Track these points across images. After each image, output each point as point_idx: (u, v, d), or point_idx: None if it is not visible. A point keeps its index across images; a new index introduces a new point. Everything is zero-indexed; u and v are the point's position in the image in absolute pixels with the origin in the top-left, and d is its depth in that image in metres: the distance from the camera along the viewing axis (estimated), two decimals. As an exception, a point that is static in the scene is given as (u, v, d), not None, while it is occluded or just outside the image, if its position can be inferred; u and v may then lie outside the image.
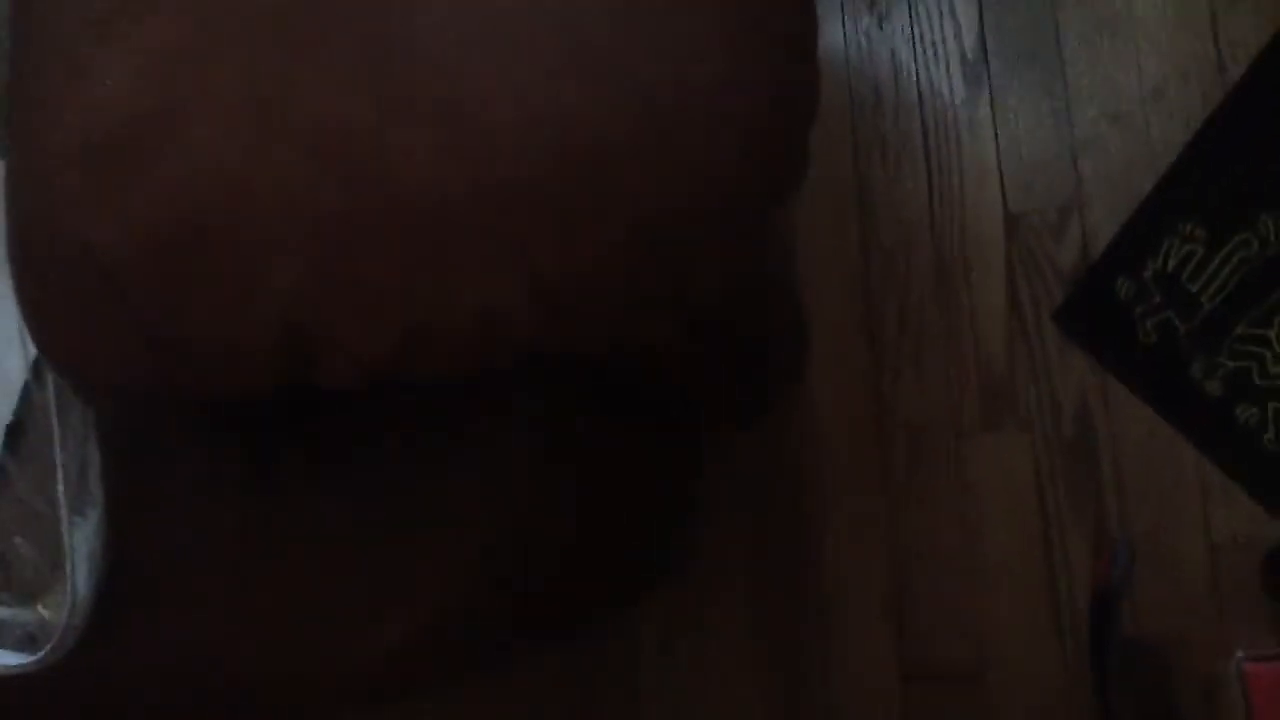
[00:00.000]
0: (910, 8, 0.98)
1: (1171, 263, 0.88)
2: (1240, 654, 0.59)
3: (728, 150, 0.52)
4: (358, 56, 0.52)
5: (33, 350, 0.62)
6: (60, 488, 0.62)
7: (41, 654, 0.59)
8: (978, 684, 0.87)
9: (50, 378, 0.63)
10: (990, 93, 0.96)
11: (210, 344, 0.53)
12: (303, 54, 0.52)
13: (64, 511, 0.63)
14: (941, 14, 0.97)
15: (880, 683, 0.88)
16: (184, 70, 0.51)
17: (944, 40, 0.98)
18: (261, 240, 0.51)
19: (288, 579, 0.65)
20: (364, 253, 0.51)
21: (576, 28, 0.51)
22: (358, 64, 0.52)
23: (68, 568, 0.63)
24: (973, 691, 0.87)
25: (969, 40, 0.97)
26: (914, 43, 0.98)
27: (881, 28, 0.99)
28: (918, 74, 0.98)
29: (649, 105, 0.51)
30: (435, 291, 0.52)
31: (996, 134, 0.96)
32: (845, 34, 0.99)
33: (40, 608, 0.64)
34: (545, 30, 0.51)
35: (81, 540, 0.63)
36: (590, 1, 0.52)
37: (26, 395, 0.65)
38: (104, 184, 0.51)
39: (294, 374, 0.53)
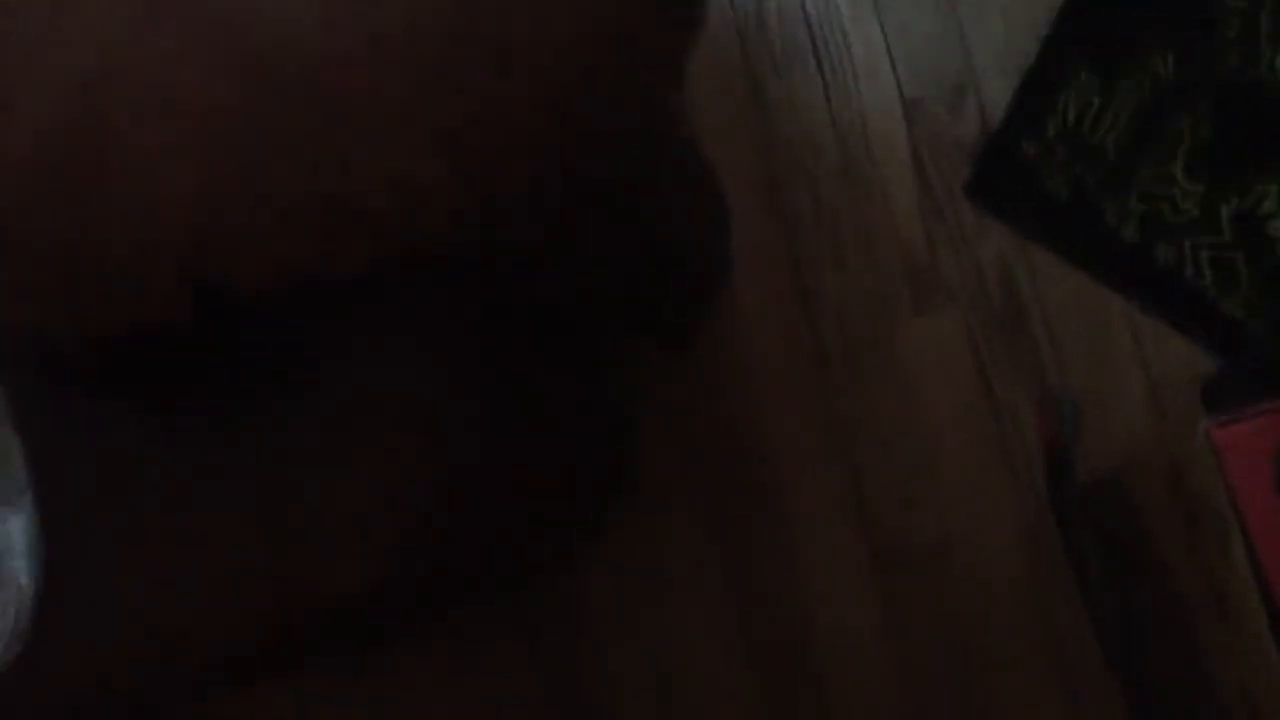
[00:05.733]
0: (777, -87, 0.99)
1: (1071, 116, 0.88)
2: (1203, 424, 0.60)
3: None
4: None
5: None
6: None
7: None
8: (948, 559, 0.88)
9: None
10: (869, -16, 0.97)
11: (114, 266, 0.51)
12: None
13: (-9, 503, 0.61)
14: (809, -88, 0.98)
15: (851, 574, 0.88)
16: None
17: (814, -60, 0.98)
18: (151, 147, 0.49)
19: (226, 539, 0.64)
20: (263, 138, 0.50)
21: None
22: None
23: (8, 563, 0.61)
24: (945, 567, 0.88)
25: (838, -64, 0.98)
26: (785, -52, 0.99)
27: (752, -61, 1.00)
28: (794, -22, 0.98)
29: None
30: (343, 167, 0.50)
31: (881, 24, 0.96)
32: (718, -51, 0.99)
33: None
34: None
35: (18, 531, 0.61)
36: None
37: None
38: None
39: (204, 284, 0.51)
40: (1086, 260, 0.89)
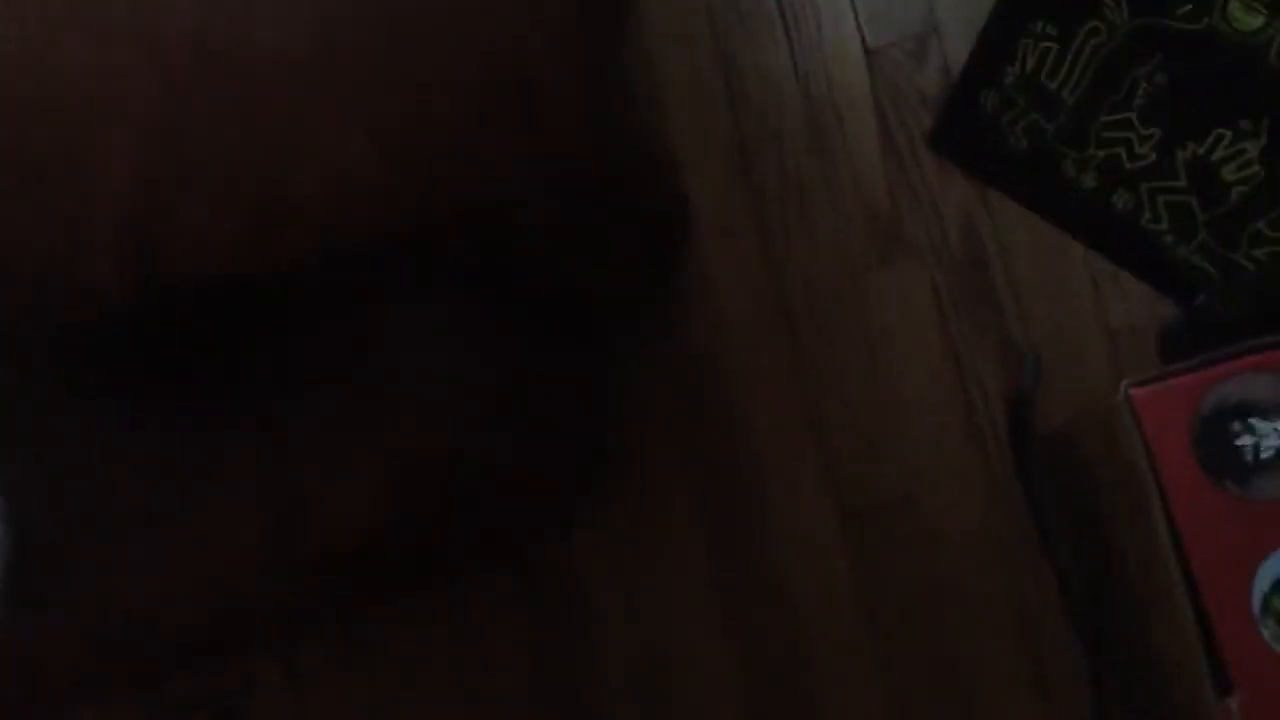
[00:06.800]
0: None
1: (1029, 65, 0.88)
2: (1125, 383, 0.61)
3: None
4: None
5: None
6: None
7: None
8: (913, 510, 0.89)
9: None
10: (830, -68, 0.96)
11: (48, 255, 0.51)
12: None
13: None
14: None
15: (821, 527, 0.90)
16: None
17: (775, -109, 0.97)
18: (87, 130, 0.50)
19: (194, 513, 0.66)
20: (198, 125, 0.50)
21: None
22: None
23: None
24: (909, 518, 0.89)
25: (800, -114, 0.97)
26: (748, -102, 0.98)
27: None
28: (757, -72, 0.98)
29: None
30: (279, 158, 0.51)
31: (844, -28, 0.96)
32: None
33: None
34: None
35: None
36: None
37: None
38: None
39: (141, 273, 0.52)
40: (1046, 207, 0.89)
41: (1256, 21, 0.79)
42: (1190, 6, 0.81)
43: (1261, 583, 0.57)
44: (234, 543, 0.68)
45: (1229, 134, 0.82)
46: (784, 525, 0.91)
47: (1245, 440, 0.59)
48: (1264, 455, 0.58)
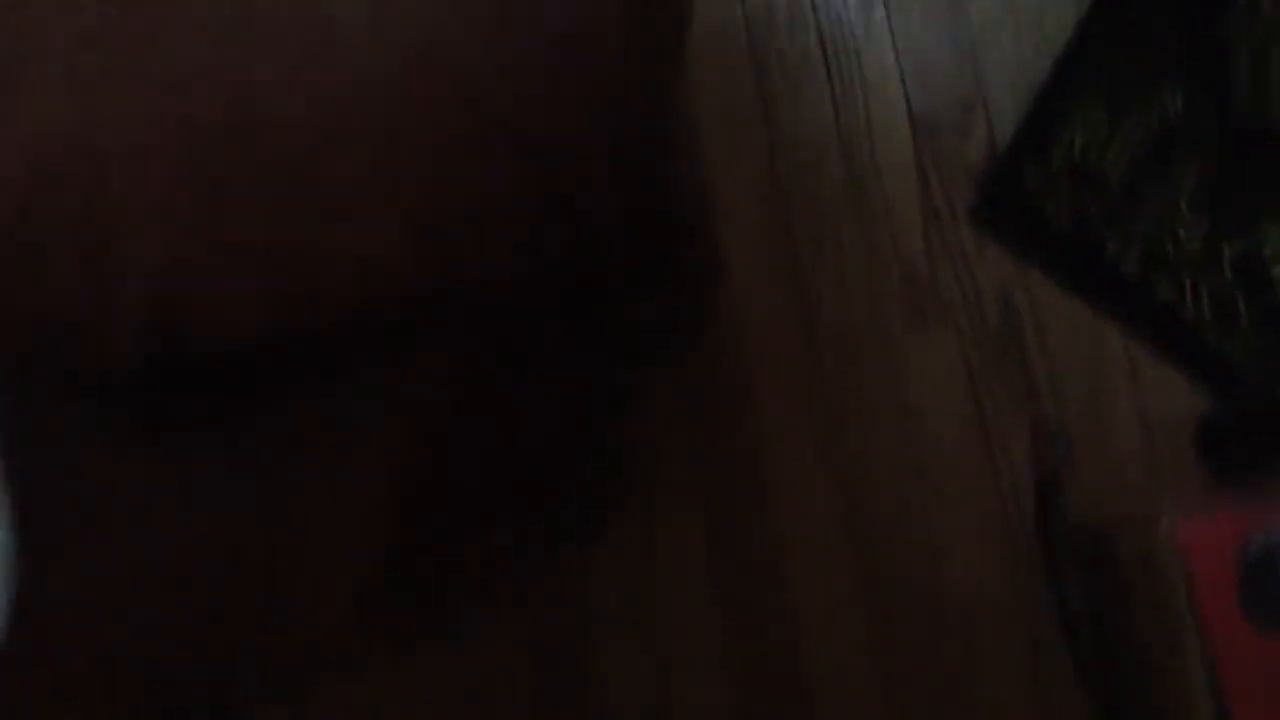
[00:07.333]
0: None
1: (1077, 146, 0.87)
2: (1169, 519, 0.60)
3: (599, 24, 0.51)
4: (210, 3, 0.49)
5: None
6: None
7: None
8: (934, 583, 0.88)
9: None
10: (882, -5, 0.95)
11: (72, 331, 0.50)
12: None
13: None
14: (832, -84, 0.96)
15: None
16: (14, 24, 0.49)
17: (829, -51, 0.97)
18: (118, 207, 0.48)
19: (208, 558, 0.65)
20: (231, 209, 0.49)
21: None
22: (210, 10, 0.49)
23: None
24: (932, 591, 0.88)
25: (853, -54, 0.96)
26: (800, -45, 0.97)
27: (767, -56, 0.98)
28: (808, -13, 0.97)
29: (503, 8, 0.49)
30: (312, 247, 0.50)
31: (894, 37, 0.95)
32: (733, -46, 0.98)
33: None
34: None
35: (-2, 548, 0.62)
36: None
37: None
38: None
39: (164, 348, 0.52)
40: (1086, 291, 0.89)
41: (1314, 121, 0.79)
42: (1246, 101, 0.80)
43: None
44: (237, 554, 0.66)
45: (1278, 231, 0.82)
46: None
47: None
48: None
